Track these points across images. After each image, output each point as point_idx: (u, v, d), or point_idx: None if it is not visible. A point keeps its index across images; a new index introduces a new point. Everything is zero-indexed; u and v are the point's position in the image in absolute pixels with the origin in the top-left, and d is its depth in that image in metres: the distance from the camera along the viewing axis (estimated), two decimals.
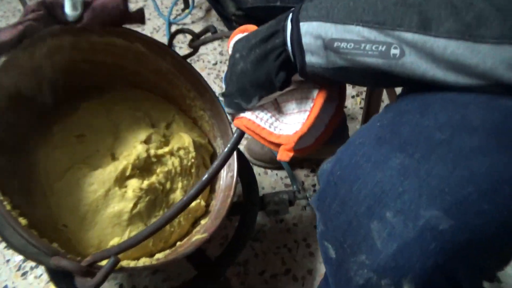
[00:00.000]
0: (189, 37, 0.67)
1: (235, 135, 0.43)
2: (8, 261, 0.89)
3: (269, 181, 1.02)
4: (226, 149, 0.43)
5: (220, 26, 1.56)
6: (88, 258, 0.42)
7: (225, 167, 0.71)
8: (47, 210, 0.52)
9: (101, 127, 0.61)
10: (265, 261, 0.85)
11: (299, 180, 1.01)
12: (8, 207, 0.42)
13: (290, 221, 0.93)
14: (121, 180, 0.56)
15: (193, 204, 0.64)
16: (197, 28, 1.55)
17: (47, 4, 0.53)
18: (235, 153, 0.69)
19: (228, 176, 0.69)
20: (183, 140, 0.65)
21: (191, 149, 0.65)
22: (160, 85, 0.72)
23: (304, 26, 0.35)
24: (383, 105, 1.17)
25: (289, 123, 0.42)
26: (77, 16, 0.53)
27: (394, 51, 0.32)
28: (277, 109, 0.43)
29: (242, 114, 0.43)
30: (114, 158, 0.59)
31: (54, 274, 0.62)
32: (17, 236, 0.49)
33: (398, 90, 0.66)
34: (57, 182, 0.54)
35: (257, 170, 1.03)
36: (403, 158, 0.30)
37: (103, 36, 0.61)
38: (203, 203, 0.65)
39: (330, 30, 0.34)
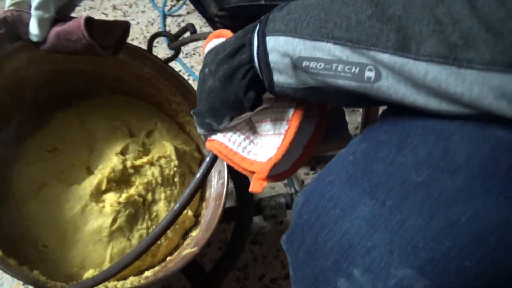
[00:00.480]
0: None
1: (207, 160, 0.40)
2: None
3: (268, 184, 0.99)
4: (198, 175, 0.40)
5: None
6: None
7: (216, 174, 0.68)
8: (26, 231, 0.51)
9: (75, 139, 0.59)
10: (265, 264, 0.83)
11: (299, 179, 0.98)
12: None
13: (290, 222, 0.90)
14: (97, 195, 0.54)
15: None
16: (192, 19, 1.51)
17: (9, 22, 0.50)
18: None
19: (218, 183, 0.66)
20: (165, 148, 0.63)
21: (173, 157, 0.62)
22: (143, 90, 0.70)
23: (271, 41, 0.32)
24: None
25: (264, 146, 0.38)
26: (42, 38, 0.49)
27: (369, 74, 0.28)
28: (252, 128, 0.39)
29: (214, 137, 0.39)
30: (90, 171, 0.57)
31: None
32: None
33: None
34: (32, 200, 0.52)
35: None
36: (373, 206, 0.26)
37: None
38: (190, 213, 0.62)
39: (298, 47, 0.30)
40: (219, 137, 0.39)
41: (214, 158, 0.40)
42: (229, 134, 0.38)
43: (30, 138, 0.56)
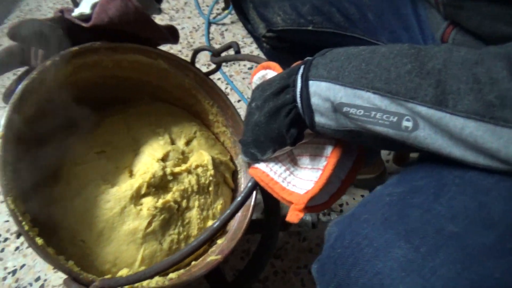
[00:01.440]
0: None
1: (249, 185, 0.42)
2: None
3: None
4: (239, 198, 0.41)
5: None
6: (96, 283, 0.43)
7: (244, 185, 0.70)
8: (67, 225, 0.54)
9: (122, 144, 0.62)
10: (285, 280, 0.84)
11: None
12: (27, 228, 0.44)
13: (313, 240, 0.91)
14: (136, 198, 0.57)
15: (210, 223, 0.63)
16: (236, 29, 1.55)
17: (63, 10, 0.56)
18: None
19: None
20: (202, 157, 0.65)
21: (210, 166, 0.64)
22: (183, 99, 0.73)
23: (313, 86, 0.34)
24: None
25: (303, 178, 0.40)
26: (84, 15, 0.55)
27: (407, 123, 0.29)
28: (293, 160, 0.41)
29: (257, 165, 0.42)
30: (132, 174, 0.60)
31: None
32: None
33: None
34: (76, 197, 0.55)
35: None
36: (407, 250, 0.27)
37: (126, 53, 0.62)
38: None
39: (339, 93, 0.32)
40: (261, 166, 0.41)
41: (256, 185, 0.42)
42: (271, 164, 0.40)
43: (80, 140, 0.60)
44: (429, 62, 0.28)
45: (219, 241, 0.64)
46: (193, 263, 0.61)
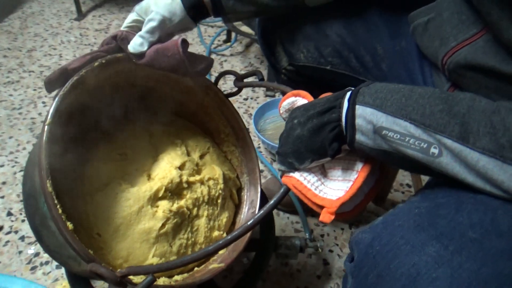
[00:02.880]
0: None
1: (282, 190, 0.47)
2: (20, 252, 0.92)
3: (280, 223, 1.05)
4: (271, 202, 0.46)
5: (256, 64, 1.64)
6: (124, 270, 0.46)
7: (248, 202, 0.75)
8: (85, 217, 0.56)
9: (142, 149, 0.66)
10: None
11: (309, 228, 1.04)
12: (60, 211, 0.46)
13: (294, 266, 0.95)
14: (154, 199, 0.61)
15: (216, 234, 0.67)
16: (234, 61, 1.63)
17: (117, 38, 0.60)
18: (259, 190, 0.73)
19: (249, 212, 0.73)
20: (214, 171, 0.70)
21: (220, 180, 0.69)
22: (199, 116, 0.78)
23: (359, 110, 0.41)
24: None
25: (332, 188, 0.46)
26: (140, 53, 0.59)
27: (434, 150, 0.37)
28: (323, 173, 0.48)
29: (291, 174, 0.48)
30: (150, 178, 0.63)
31: (74, 278, 0.65)
32: (55, 238, 0.53)
33: None
34: (98, 192, 0.58)
35: None
36: (439, 248, 0.34)
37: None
38: (225, 235, 0.68)
39: (381, 118, 0.39)
40: (296, 175, 0.47)
41: (287, 191, 0.47)
42: (305, 174, 0.47)
43: (106, 140, 0.64)
44: (456, 106, 0.37)
45: (221, 252, 0.67)
46: (196, 269, 0.64)
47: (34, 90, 1.43)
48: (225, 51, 1.68)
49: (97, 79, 0.60)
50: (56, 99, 0.51)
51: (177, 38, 0.60)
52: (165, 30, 0.61)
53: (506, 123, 0.34)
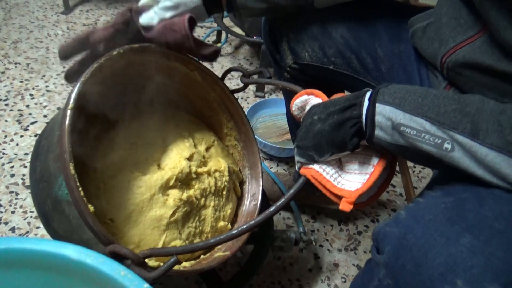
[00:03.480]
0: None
1: (300, 181, 0.50)
2: None
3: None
4: (292, 190, 0.49)
5: (245, 65, 1.67)
6: (145, 251, 0.47)
7: (250, 195, 0.77)
8: (98, 203, 0.57)
9: (152, 140, 0.67)
10: None
11: (302, 223, 1.07)
12: (82, 193, 0.47)
13: (287, 260, 0.98)
14: (165, 188, 0.62)
15: (221, 224, 0.69)
16: (224, 61, 1.66)
17: (133, 11, 0.63)
18: (261, 184, 0.76)
19: (251, 204, 0.75)
20: (220, 164, 0.72)
21: (226, 173, 0.71)
22: (202, 110, 0.80)
23: (379, 108, 0.45)
24: None
25: (350, 180, 0.49)
26: (149, 26, 0.63)
27: (447, 146, 0.41)
28: (339, 166, 0.51)
29: (311, 166, 0.51)
30: (160, 168, 0.65)
31: None
32: (67, 222, 0.54)
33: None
34: (111, 179, 0.59)
35: None
36: (472, 239, 0.37)
37: (169, 60, 0.69)
38: (229, 226, 0.71)
39: (399, 116, 0.43)
40: (315, 166, 0.51)
41: (306, 181, 0.51)
42: (324, 166, 0.50)
43: (116, 129, 0.65)
44: (467, 106, 0.41)
45: None
46: (202, 256, 0.66)
47: (21, 82, 1.40)
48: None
49: (112, 68, 0.61)
50: (78, 84, 0.52)
51: (184, 15, 0.63)
52: (179, 13, 0.64)
53: (511, 121, 0.39)
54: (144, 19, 0.63)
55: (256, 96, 1.50)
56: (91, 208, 0.48)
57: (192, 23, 0.62)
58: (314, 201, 1.09)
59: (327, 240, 1.05)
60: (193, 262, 0.63)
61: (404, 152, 0.45)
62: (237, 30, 1.61)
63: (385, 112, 0.44)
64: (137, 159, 0.64)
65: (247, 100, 1.48)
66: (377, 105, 0.45)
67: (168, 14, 0.64)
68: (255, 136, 1.24)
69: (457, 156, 0.41)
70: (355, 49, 0.70)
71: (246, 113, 1.28)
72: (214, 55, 0.69)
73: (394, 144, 0.45)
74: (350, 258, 1.01)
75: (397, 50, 0.69)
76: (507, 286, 0.35)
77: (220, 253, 0.65)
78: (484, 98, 0.42)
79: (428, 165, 0.46)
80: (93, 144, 0.61)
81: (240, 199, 0.78)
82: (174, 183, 0.63)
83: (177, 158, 0.65)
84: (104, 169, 0.60)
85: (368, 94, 0.47)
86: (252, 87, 1.52)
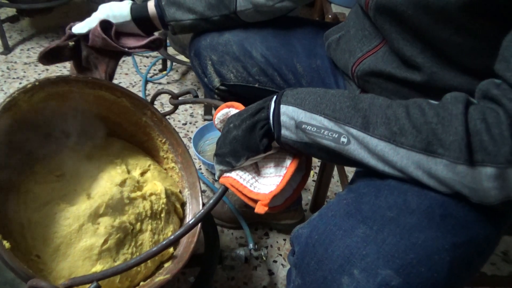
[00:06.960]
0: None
1: (219, 190, 0.51)
2: None
3: (224, 239, 1.08)
4: (211, 201, 0.50)
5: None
6: (66, 282, 0.46)
7: (191, 215, 0.77)
8: (22, 240, 0.55)
9: (81, 170, 0.66)
10: None
11: (255, 240, 1.07)
12: None
13: (241, 279, 0.98)
14: (94, 217, 0.61)
15: None
16: (172, 88, 1.67)
17: (68, 26, 0.73)
18: (201, 202, 0.76)
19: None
20: (156, 187, 0.72)
21: (163, 195, 0.71)
22: (137, 136, 0.80)
23: (283, 108, 0.47)
24: (333, 180, 1.31)
25: (265, 184, 0.51)
26: (79, 34, 0.72)
27: (343, 139, 0.44)
28: (257, 172, 0.53)
29: (228, 174, 0.52)
30: (89, 197, 0.64)
31: None
32: None
33: (348, 169, 0.84)
34: (34, 214, 0.58)
35: None
36: (365, 229, 0.40)
37: (94, 88, 0.70)
38: (171, 250, 0.70)
39: (301, 115, 0.46)
40: (233, 174, 0.52)
41: (225, 190, 0.52)
42: (241, 173, 0.51)
43: (42, 162, 0.64)
44: (360, 103, 0.44)
45: (166, 265, 0.69)
46: (141, 283, 0.64)
47: None
48: (162, 79, 1.71)
49: (31, 102, 0.61)
50: None
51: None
52: (119, 27, 0.73)
53: (397, 114, 0.42)
54: (76, 28, 0.71)
55: (205, 120, 1.52)
56: (6, 244, 0.47)
57: (106, 24, 0.71)
58: (265, 218, 1.11)
59: (281, 255, 1.06)
60: None
61: (309, 149, 0.47)
62: (181, 57, 1.64)
63: (288, 112, 0.46)
64: (65, 191, 0.62)
65: (195, 124, 1.49)
66: (281, 106, 0.47)
67: (95, 23, 0.70)
68: (203, 160, 1.25)
69: (352, 148, 0.43)
70: (276, 66, 0.74)
71: (193, 136, 1.30)
72: (154, 44, 0.76)
73: (299, 142, 0.47)
74: None
75: (314, 64, 0.73)
76: (399, 270, 0.37)
77: (160, 277, 0.64)
78: (375, 96, 0.45)
79: (332, 160, 0.48)
80: (16, 179, 0.60)
81: (182, 221, 0.77)
82: (104, 210, 0.62)
83: (107, 185, 0.65)
84: (28, 205, 0.58)
85: (275, 97, 0.49)
86: (200, 111, 1.54)
